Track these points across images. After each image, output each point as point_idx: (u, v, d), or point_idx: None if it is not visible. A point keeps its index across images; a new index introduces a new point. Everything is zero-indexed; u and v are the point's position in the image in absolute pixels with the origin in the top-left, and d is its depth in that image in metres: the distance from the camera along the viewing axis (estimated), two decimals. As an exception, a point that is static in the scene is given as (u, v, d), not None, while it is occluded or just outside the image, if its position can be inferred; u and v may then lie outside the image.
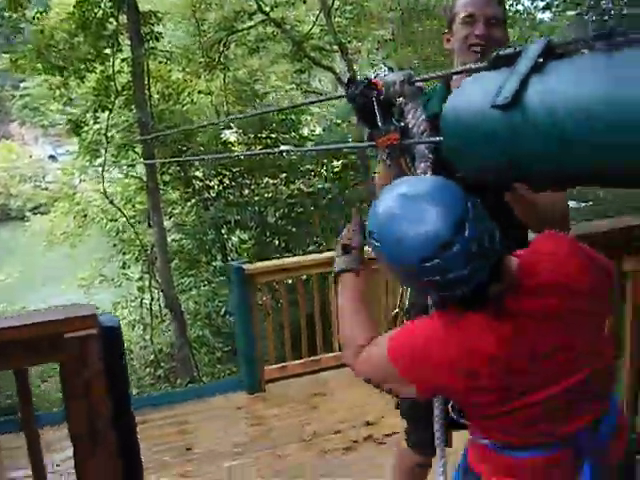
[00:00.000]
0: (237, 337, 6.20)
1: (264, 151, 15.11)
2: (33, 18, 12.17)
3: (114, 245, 16.17)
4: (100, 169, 13.21)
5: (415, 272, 1.61)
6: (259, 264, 6.41)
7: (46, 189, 31.06)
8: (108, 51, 12.15)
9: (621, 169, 1.23)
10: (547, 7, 16.10)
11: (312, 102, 17.80)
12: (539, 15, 17.16)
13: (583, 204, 16.83)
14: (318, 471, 4.37)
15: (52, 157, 37.83)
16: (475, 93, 1.50)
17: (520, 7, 16.63)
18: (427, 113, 2.03)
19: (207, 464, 4.65)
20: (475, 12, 2.36)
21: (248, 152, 14.54)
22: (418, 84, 1.99)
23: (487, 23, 2.35)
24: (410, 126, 1.99)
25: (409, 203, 1.61)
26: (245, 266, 5.71)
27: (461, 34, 2.39)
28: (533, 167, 1.41)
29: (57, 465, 4.39)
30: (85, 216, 17.40)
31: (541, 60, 1.37)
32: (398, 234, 1.60)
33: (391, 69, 3.13)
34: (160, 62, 13.12)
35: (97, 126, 13.57)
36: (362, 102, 1.99)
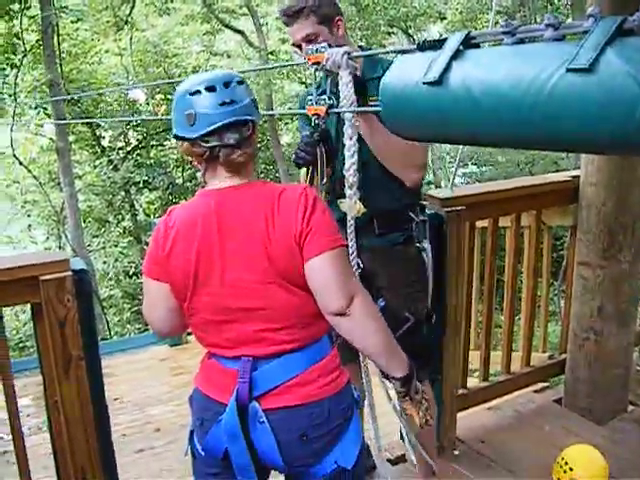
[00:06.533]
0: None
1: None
2: None
3: (22, 207, 15.83)
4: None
5: None
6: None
7: None
8: (15, 7, 11.85)
9: (515, 136, 1.57)
10: None
11: (275, 67, 17.61)
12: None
13: (483, 168, 17.61)
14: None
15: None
16: (408, 70, 1.83)
17: None
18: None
19: (135, 412, 4.85)
20: (294, 41, 2.60)
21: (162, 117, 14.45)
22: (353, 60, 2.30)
23: (306, 42, 2.53)
24: (341, 97, 2.28)
25: None
26: (168, 223, 5.94)
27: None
28: (451, 131, 1.76)
29: None
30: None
31: (461, 48, 1.71)
32: None
33: (330, 45, 3.34)
34: (72, 21, 12.87)
35: (1, 85, 13.25)
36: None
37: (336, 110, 2.31)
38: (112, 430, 2.75)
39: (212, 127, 1.83)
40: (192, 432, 2.07)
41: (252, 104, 1.91)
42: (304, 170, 2.44)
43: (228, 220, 1.87)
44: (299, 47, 2.58)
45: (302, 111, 2.44)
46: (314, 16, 2.52)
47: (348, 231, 2.38)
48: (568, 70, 1.33)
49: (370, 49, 2.45)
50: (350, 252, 2.36)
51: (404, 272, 2.77)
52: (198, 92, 1.84)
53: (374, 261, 2.63)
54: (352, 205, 2.32)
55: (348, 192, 2.31)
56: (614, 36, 1.31)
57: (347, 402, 1.99)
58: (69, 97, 11.21)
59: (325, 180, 2.41)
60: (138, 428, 4.57)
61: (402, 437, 3.20)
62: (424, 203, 2.91)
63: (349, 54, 2.24)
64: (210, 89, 1.83)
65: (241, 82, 1.90)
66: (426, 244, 2.80)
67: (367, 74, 2.52)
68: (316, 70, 2.35)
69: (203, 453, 2.01)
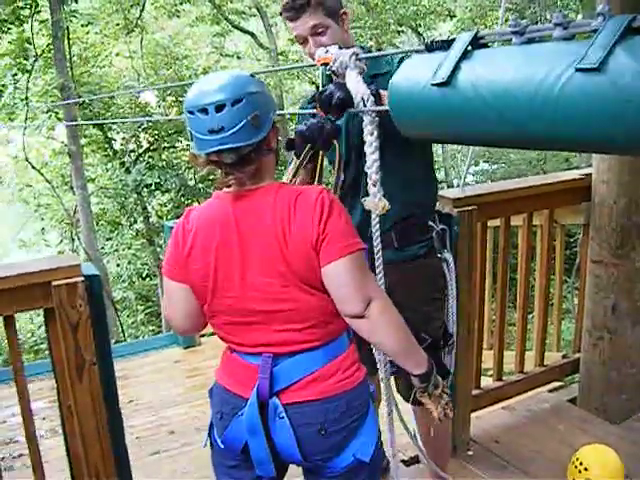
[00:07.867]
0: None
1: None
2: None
3: (35, 210, 15.92)
4: (10, 133, 13.00)
5: None
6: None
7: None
8: (26, 12, 11.91)
9: (525, 136, 1.57)
10: None
11: (286, 68, 17.38)
12: None
13: (495, 166, 17.57)
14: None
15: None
16: (417, 71, 1.83)
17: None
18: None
19: (150, 415, 4.82)
20: (299, 34, 2.50)
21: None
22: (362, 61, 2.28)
23: (313, 35, 2.47)
24: (354, 94, 2.20)
25: None
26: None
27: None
28: (461, 131, 1.76)
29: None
30: (-1, 182, 17.13)
31: (470, 48, 1.71)
32: None
33: (340, 47, 3.30)
34: (82, 25, 12.91)
35: (13, 89, 13.30)
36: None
37: (353, 111, 2.23)
38: (126, 433, 2.76)
39: (202, 152, 1.83)
40: (212, 425, 2.10)
41: (249, 124, 1.80)
42: (294, 163, 2.34)
43: (246, 223, 1.87)
44: (304, 42, 2.50)
45: (312, 110, 2.41)
46: (321, 8, 2.44)
47: (374, 238, 2.29)
48: (577, 70, 1.33)
49: (380, 49, 2.41)
50: (377, 263, 2.31)
51: (425, 288, 2.68)
52: (192, 112, 1.80)
53: (392, 276, 2.45)
54: (377, 203, 2.22)
55: (372, 190, 2.21)
56: (623, 35, 1.30)
57: (364, 397, 2.01)
58: (80, 100, 11.25)
59: (343, 176, 2.39)
60: (152, 430, 4.55)
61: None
62: (441, 210, 2.82)
63: (357, 55, 2.23)
64: (203, 111, 1.78)
65: (238, 100, 1.78)
66: (447, 254, 2.72)
67: (372, 70, 2.45)
68: (325, 71, 2.33)
69: (222, 446, 2.04)
